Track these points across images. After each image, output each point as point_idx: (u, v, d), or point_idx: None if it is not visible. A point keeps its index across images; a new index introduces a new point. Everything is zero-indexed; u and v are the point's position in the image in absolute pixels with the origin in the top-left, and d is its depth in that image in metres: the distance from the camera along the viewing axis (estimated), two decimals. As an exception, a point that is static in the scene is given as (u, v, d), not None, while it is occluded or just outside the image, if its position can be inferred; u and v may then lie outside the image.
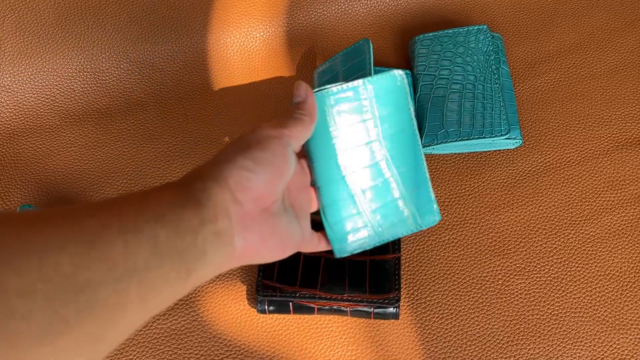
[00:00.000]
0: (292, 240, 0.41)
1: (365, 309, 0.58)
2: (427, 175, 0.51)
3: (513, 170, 0.69)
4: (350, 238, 0.50)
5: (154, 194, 0.33)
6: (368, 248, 0.51)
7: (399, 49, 0.78)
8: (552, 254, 0.64)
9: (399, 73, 0.51)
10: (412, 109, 0.51)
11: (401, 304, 0.61)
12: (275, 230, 0.39)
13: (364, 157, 0.49)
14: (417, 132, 0.51)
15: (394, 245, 0.61)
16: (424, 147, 0.67)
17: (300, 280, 0.59)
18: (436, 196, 0.67)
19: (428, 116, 0.68)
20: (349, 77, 0.67)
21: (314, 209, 0.51)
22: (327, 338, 0.60)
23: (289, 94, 0.74)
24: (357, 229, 0.50)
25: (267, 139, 0.38)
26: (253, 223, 0.36)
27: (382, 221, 0.50)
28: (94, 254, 0.27)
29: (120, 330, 0.29)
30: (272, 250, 0.39)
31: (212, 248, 0.33)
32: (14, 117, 0.72)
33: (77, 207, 0.30)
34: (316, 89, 0.48)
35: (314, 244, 0.49)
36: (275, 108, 0.73)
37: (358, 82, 0.49)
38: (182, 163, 0.70)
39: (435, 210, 0.52)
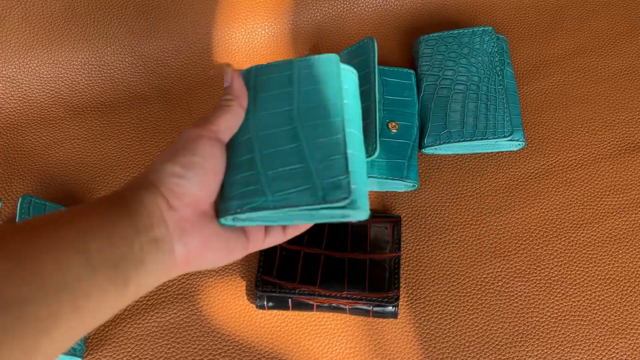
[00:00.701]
0: (237, 242, 0.40)
1: (364, 307, 0.58)
2: (346, 150, 0.42)
3: (515, 172, 0.69)
4: (238, 200, 0.41)
5: (87, 207, 0.33)
6: (261, 214, 0.41)
7: (404, 48, 0.78)
8: (552, 257, 0.64)
9: (335, 57, 0.46)
10: (343, 91, 0.45)
11: (400, 303, 0.61)
12: (217, 232, 0.38)
13: (274, 121, 0.44)
14: (343, 111, 0.44)
15: (393, 244, 0.61)
16: (426, 147, 0.67)
17: (299, 276, 0.59)
18: (439, 197, 0.67)
19: (431, 116, 0.68)
20: (353, 75, 0.66)
21: None
22: (325, 335, 0.59)
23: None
24: (248, 192, 0.41)
25: (194, 140, 0.37)
26: (192, 227, 0.36)
27: (278, 187, 0.42)
28: (21, 271, 0.27)
29: (56, 341, 0.29)
30: (217, 253, 0.38)
31: (150, 257, 0.33)
32: (18, 108, 0.72)
33: (6, 226, 0.30)
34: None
35: (276, 237, 0.43)
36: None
37: (289, 60, 0.46)
38: (184, 158, 0.70)
39: (344, 185, 0.41)
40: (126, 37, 0.74)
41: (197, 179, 0.36)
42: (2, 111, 0.72)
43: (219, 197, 0.41)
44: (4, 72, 0.72)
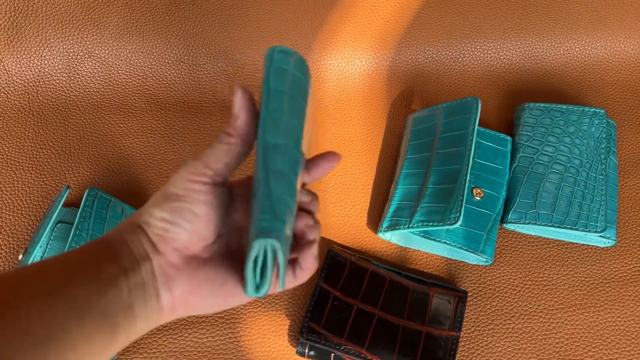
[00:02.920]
0: (235, 287, 0.35)
1: None
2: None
3: (598, 270, 0.63)
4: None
5: (72, 254, 0.32)
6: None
7: (502, 109, 0.73)
8: (621, 373, 0.58)
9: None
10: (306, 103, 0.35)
11: (448, 385, 0.56)
12: (208, 278, 0.34)
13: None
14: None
15: (455, 322, 0.57)
16: (508, 222, 0.63)
17: (348, 332, 0.56)
18: (510, 279, 0.62)
19: (521, 191, 0.63)
20: (447, 132, 0.63)
21: None
22: (361, 400, 0.56)
23: (375, 136, 0.71)
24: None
25: (185, 186, 0.33)
26: (178, 273, 0.33)
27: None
28: (3, 323, 0.27)
29: None
30: (209, 300, 0.34)
31: (138, 301, 0.32)
32: (102, 89, 0.72)
33: None
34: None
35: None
36: (357, 149, 0.70)
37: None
38: (254, 176, 0.68)
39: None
40: (223, 42, 0.72)
41: (186, 225, 0.33)
42: (87, 89, 0.72)
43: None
44: (96, 52, 0.72)
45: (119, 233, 0.33)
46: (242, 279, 0.35)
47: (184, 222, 0.33)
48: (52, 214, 0.56)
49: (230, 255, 0.36)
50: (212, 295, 0.34)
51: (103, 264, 0.31)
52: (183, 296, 0.34)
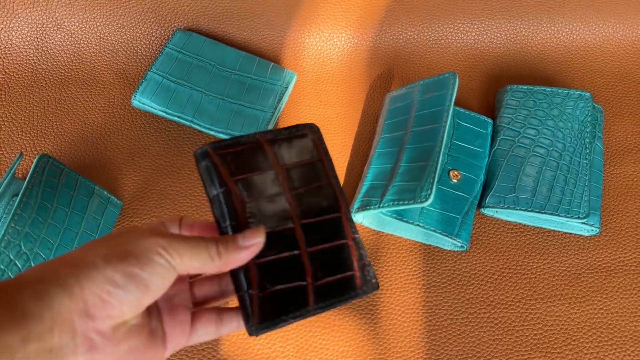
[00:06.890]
0: (156, 353, 0.33)
1: None
2: None
3: (581, 260, 0.60)
4: None
5: None
6: None
7: (485, 94, 0.70)
8: (603, 368, 0.55)
9: None
10: None
11: (416, 375, 0.53)
12: (131, 347, 0.31)
13: None
14: None
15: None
16: (486, 207, 0.60)
17: None
18: (487, 266, 0.59)
19: (500, 174, 0.60)
20: (423, 109, 0.60)
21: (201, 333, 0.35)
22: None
23: (351, 117, 0.68)
24: None
25: (151, 255, 0.30)
26: (104, 342, 0.29)
27: None
28: None
29: None
30: None
31: None
32: (70, 63, 0.69)
33: None
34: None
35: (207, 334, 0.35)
36: (333, 130, 0.67)
37: None
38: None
39: None
40: (197, 18, 0.70)
41: (135, 294, 0.29)
42: (54, 62, 0.69)
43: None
44: (65, 25, 0.69)
45: (41, 282, 0.28)
46: (159, 345, 0.33)
47: (135, 290, 0.30)
48: (2, 181, 0.53)
49: (149, 323, 0.33)
50: None
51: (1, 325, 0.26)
52: None
